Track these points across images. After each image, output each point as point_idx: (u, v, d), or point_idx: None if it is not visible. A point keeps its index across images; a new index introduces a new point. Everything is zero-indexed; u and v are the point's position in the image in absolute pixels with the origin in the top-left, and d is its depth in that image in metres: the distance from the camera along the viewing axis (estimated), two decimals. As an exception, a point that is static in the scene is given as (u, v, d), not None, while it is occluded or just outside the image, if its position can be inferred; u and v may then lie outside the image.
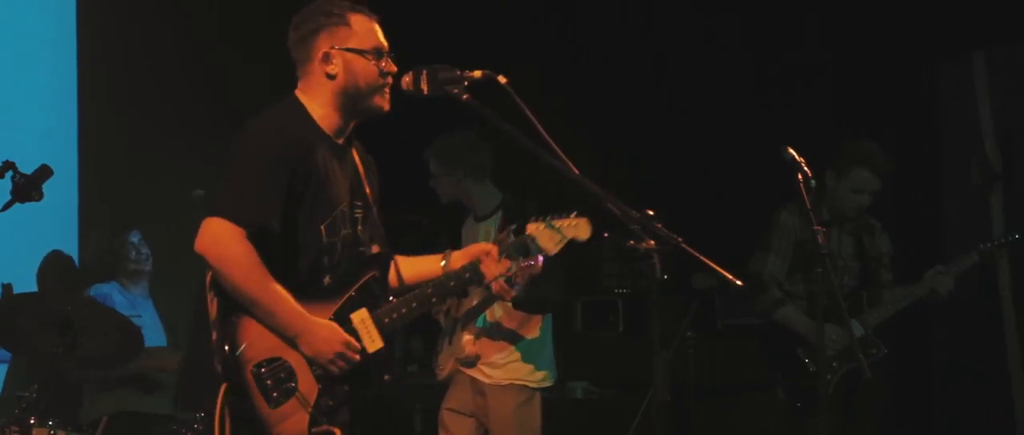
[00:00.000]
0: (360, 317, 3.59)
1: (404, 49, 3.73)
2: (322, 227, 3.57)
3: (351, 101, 3.62)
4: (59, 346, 5.05)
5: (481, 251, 3.84)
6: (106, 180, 7.21)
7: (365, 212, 3.71)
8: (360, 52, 3.60)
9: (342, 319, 3.57)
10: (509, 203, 5.43)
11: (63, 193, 6.48)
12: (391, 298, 3.68)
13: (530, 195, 5.30)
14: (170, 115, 7.12)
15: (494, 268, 3.81)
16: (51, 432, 5.09)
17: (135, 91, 7.17)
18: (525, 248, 3.85)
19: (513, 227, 4.01)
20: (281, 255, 3.49)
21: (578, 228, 3.85)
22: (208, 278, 3.50)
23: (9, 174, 4.79)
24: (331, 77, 3.60)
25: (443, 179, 5.50)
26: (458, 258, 3.85)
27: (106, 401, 5.80)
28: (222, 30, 7.39)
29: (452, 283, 3.78)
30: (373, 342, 3.58)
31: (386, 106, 3.65)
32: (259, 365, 3.45)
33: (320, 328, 3.50)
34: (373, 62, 3.61)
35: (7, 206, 4.83)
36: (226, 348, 3.44)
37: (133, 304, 5.87)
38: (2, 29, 7.11)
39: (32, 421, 4.98)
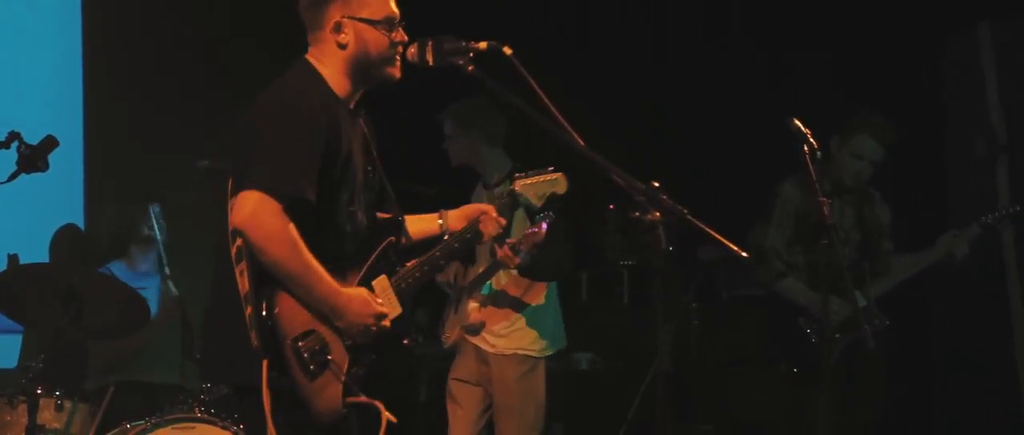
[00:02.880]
0: (381, 285, 3.64)
1: (409, 20, 3.72)
2: (346, 197, 3.59)
3: (362, 70, 3.63)
4: (64, 316, 5.07)
5: (478, 210, 3.99)
6: (111, 152, 7.21)
7: (379, 178, 3.74)
8: (372, 22, 3.60)
9: (365, 287, 3.60)
10: (519, 172, 5.43)
11: (69, 165, 6.48)
12: (405, 263, 3.73)
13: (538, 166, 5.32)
14: (175, 87, 7.12)
15: (492, 226, 3.98)
16: (58, 401, 5.13)
17: (140, 63, 7.15)
18: (515, 202, 4.15)
19: (509, 188, 4.23)
20: (312, 227, 3.48)
21: (556, 183, 4.22)
22: (234, 251, 3.49)
23: (14, 145, 4.80)
24: (342, 46, 3.60)
25: (456, 140, 5.53)
26: (455, 217, 3.98)
27: (112, 372, 5.82)
28: (228, 1, 7.38)
29: (456, 244, 3.91)
30: (393, 308, 3.63)
31: (397, 74, 3.66)
32: (296, 339, 3.46)
33: (353, 301, 3.51)
34: (384, 32, 3.60)
35: (13, 176, 4.84)
36: (264, 322, 3.43)
37: (136, 280, 5.87)
38: (7, 2, 7.11)
39: (39, 391, 5.02)
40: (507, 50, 3.47)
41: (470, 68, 3.51)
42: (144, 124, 7.09)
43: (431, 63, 3.57)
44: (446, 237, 3.92)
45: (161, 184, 6.46)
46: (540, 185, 4.22)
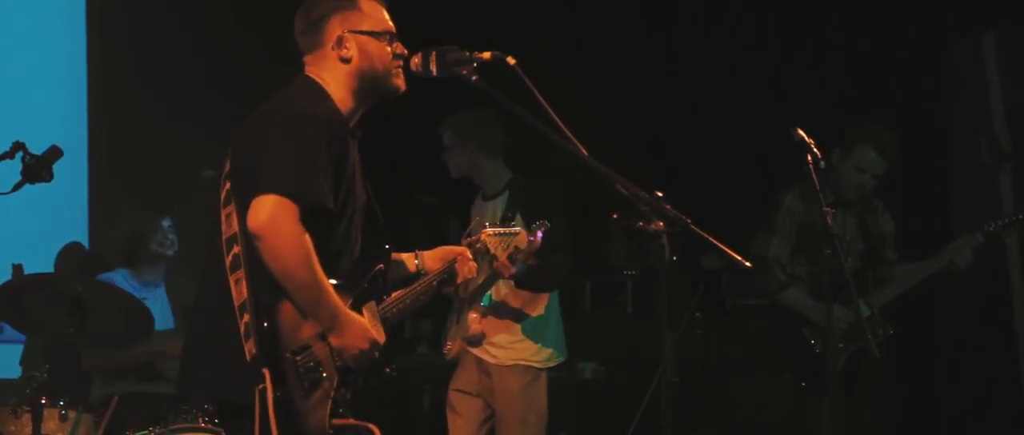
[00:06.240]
0: (371, 310, 3.60)
1: (413, 30, 3.73)
2: (349, 217, 3.57)
3: (368, 84, 3.62)
4: (68, 325, 5.07)
5: (453, 252, 4.02)
6: (115, 162, 7.22)
7: (371, 203, 3.72)
8: (373, 34, 3.60)
9: (355, 311, 3.55)
10: (517, 183, 5.45)
11: (73, 175, 6.49)
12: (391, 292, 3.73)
13: (540, 176, 5.32)
14: (179, 96, 7.12)
15: (466, 269, 4.02)
16: (62, 412, 5.13)
17: (145, 72, 7.17)
18: (485, 253, 4.30)
19: (473, 236, 4.32)
20: (318, 244, 3.40)
21: (516, 237, 4.49)
22: (229, 259, 3.43)
23: (19, 154, 4.81)
24: (346, 61, 3.59)
25: (456, 152, 5.53)
26: (430, 258, 3.98)
27: (116, 382, 5.82)
28: (234, 9, 7.38)
29: (435, 283, 3.93)
30: (379, 335, 3.58)
31: (403, 86, 3.66)
32: (294, 352, 3.41)
33: (353, 324, 3.47)
34: (386, 44, 3.61)
35: (17, 187, 4.85)
36: (266, 331, 3.36)
37: (140, 289, 5.88)
38: (12, 11, 7.12)
39: (43, 401, 5.02)
40: (511, 60, 3.47)
41: (474, 78, 3.51)
42: (149, 134, 7.10)
43: (434, 73, 3.57)
44: (425, 276, 3.91)
45: (166, 193, 6.47)
46: (504, 238, 4.45)
